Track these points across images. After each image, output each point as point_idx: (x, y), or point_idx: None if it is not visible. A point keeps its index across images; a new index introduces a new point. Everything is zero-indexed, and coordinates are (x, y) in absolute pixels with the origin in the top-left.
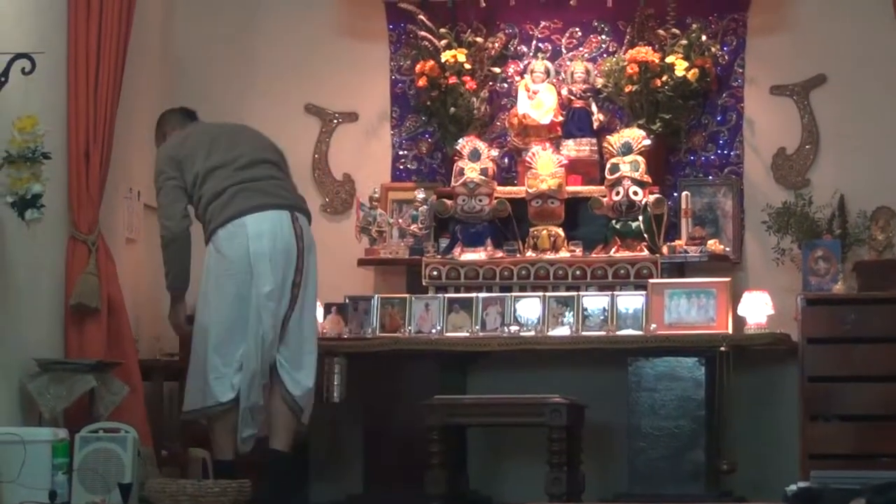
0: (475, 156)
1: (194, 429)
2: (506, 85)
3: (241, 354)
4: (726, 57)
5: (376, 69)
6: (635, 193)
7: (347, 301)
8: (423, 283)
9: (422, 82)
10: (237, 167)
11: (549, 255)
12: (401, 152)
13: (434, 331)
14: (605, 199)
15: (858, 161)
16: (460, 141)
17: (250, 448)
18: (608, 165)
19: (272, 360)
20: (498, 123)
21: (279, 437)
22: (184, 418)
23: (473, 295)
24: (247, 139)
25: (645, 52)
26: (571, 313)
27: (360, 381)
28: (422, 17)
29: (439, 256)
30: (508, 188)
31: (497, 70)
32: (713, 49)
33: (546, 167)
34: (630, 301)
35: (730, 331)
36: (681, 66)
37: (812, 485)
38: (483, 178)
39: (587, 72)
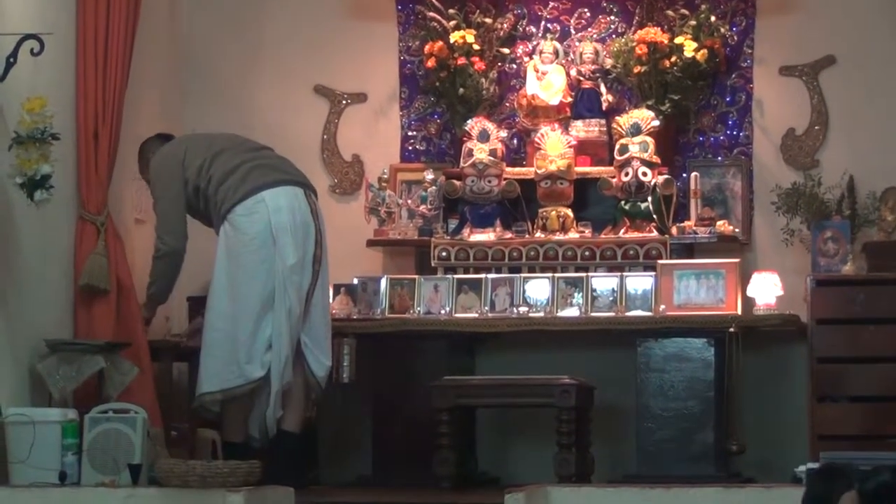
0: (484, 137)
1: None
2: (514, 66)
3: (270, 332)
4: (735, 37)
5: (385, 50)
6: (644, 174)
7: (356, 282)
8: (432, 264)
9: (430, 63)
10: (244, 149)
11: (558, 236)
12: (410, 133)
13: (443, 312)
14: (614, 180)
15: (868, 142)
16: (469, 122)
17: (275, 430)
18: (617, 146)
19: (298, 337)
20: (507, 104)
21: (290, 417)
22: (199, 401)
23: (482, 276)
24: (238, 136)
25: (654, 33)
26: (580, 294)
27: (369, 362)
28: None
29: (448, 237)
30: (517, 169)
31: (506, 51)
32: (722, 29)
33: (555, 148)
34: (639, 282)
35: (739, 312)
36: (690, 47)
37: (833, 461)
38: (492, 158)
39: (596, 52)
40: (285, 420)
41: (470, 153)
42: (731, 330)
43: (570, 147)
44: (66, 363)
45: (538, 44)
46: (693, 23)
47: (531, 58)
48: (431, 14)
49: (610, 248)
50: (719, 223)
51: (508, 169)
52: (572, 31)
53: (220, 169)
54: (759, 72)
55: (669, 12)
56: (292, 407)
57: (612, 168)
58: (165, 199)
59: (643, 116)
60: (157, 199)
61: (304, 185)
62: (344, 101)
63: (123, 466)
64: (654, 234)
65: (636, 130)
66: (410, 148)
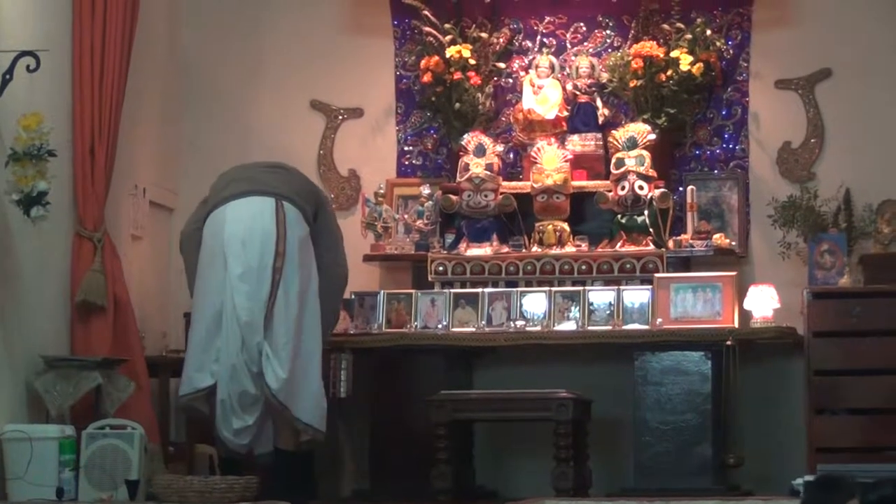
0: (480, 151)
1: (201, 425)
2: (511, 80)
3: (219, 342)
4: (731, 51)
5: (381, 65)
6: (641, 188)
7: (353, 297)
8: (429, 279)
9: (427, 78)
10: (240, 167)
11: (555, 250)
12: (406, 148)
13: (440, 326)
14: (610, 194)
15: (864, 155)
16: (465, 136)
17: (246, 442)
18: (613, 160)
19: (261, 348)
20: (503, 119)
21: (280, 435)
22: (177, 404)
23: (479, 290)
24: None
25: (649, 47)
26: (577, 308)
27: (366, 376)
28: (426, 12)
29: (445, 252)
30: (514, 183)
31: (502, 65)
32: (718, 43)
33: (551, 162)
34: (636, 295)
35: (736, 325)
36: (685, 61)
37: (829, 473)
38: (488, 173)
39: (592, 67)
40: (279, 438)
41: (466, 168)
42: (729, 343)
43: (566, 161)
44: (63, 379)
45: (534, 58)
46: (689, 36)
47: (527, 72)
48: (427, 29)
49: (607, 262)
50: (716, 236)
51: (505, 183)
52: (568, 46)
53: (214, 188)
54: (755, 85)
55: (665, 26)
56: (279, 424)
57: (608, 182)
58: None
59: (639, 130)
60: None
61: (279, 196)
62: (340, 116)
63: (121, 482)
64: (651, 247)
65: (632, 144)
66: (407, 163)
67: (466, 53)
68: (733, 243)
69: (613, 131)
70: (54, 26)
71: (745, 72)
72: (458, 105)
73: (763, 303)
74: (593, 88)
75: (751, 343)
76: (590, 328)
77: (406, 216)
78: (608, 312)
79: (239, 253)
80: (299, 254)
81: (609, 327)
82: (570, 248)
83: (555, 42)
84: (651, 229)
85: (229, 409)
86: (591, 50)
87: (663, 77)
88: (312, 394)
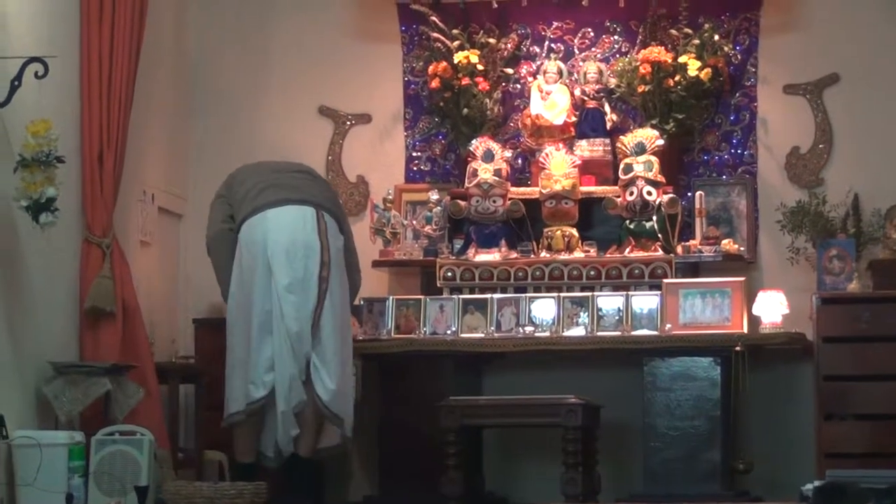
0: (489, 157)
1: (211, 431)
2: (519, 86)
3: (272, 352)
4: (739, 56)
5: (389, 71)
6: (649, 193)
7: (362, 303)
8: (438, 285)
9: (435, 83)
10: (271, 170)
11: (564, 256)
12: (414, 153)
13: (449, 332)
14: (618, 200)
15: (872, 159)
16: (474, 142)
17: (292, 449)
18: (622, 165)
19: (308, 357)
20: (511, 124)
21: (303, 441)
22: (227, 422)
23: (488, 296)
24: (289, 161)
25: (657, 52)
26: (586, 314)
27: (376, 382)
28: (434, 18)
29: (454, 258)
30: (522, 189)
31: (510, 71)
32: (726, 48)
33: (559, 168)
34: (645, 301)
35: (745, 330)
36: (693, 66)
37: (837, 480)
38: (497, 178)
39: (600, 72)
40: (299, 444)
41: (474, 173)
42: (738, 348)
43: (574, 167)
44: (72, 386)
45: (542, 63)
46: (697, 42)
47: (535, 78)
48: (435, 35)
49: (615, 268)
50: (724, 242)
51: (513, 189)
52: (576, 51)
53: (243, 187)
54: (763, 90)
55: (673, 31)
56: (304, 431)
57: (616, 187)
58: (211, 207)
59: (647, 135)
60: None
61: (317, 206)
62: (348, 122)
63: (130, 488)
64: (660, 253)
65: (641, 150)
66: (415, 168)
67: (474, 59)
68: (742, 249)
69: (622, 137)
70: (62, 33)
71: (754, 77)
72: (466, 111)
73: (772, 308)
74: (601, 94)
75: (760, 349)
76: (599, 334)
77: (415, 222)
78: (617, 318)
79: (283, 263)
80: (341, 263)
81: (618, 333)
82: (578, 254)
83: (563, 47)
84: (660, 235)
85: (289, 419)
86: (599, 55)
87: (671, 82)
88: (352, 402)
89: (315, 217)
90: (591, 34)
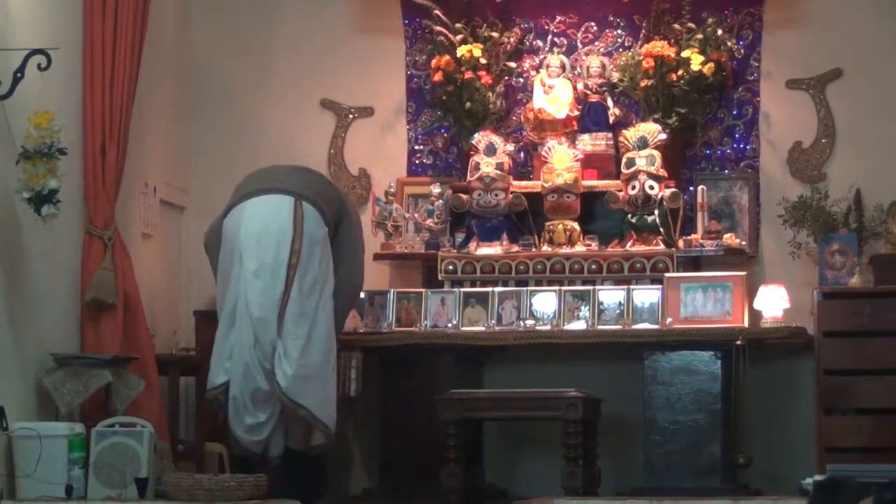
0: (491, 150)
1: (211, 423)
2: (521, 80)
3: (232, 339)
4: (742, 51)
5: (392, 64)
6: (651, 188)
7: (364, 295)
8: (439, 278)
9: (437, 77)
10: (267, 168)
11: (565, 250)
12: (416, 147)
13: (450, 325)
14: (620, 194)
15: (874, 155)
16: (476, 135)
17: (259, 439)
18: (624, 160)
19: (274, 345)
20: (514, 118)
21: (291, 434)
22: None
23: (489, 289)
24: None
25: (660, 47)
26: (587, 307)
27: (376, 375)
28: (437, 12)
29: (455, 251)
30: (524, 182)
31: (513, 65)
32: (729, 43)
33: (562, 161)
34: (646, 295)
35: (746, 324)
36: (696, 61)
37: (835, 475)
38: (499, 172)
39: (603, 66)
40: (290, 437)
41: (477, 167)
42: (738, 343)
43: (576, 160)
44: (72, 377)
45: (545, 58)
46: (700, 36)
47: (538, 72)
48: (438, 28)
49: (617, 262)
50: (726, 236)
51: (515, 182)
52: (579, 45)
53: (236, 190)
54: (766, 85)
55: (676, 26)
56: (294, 424)
57: (618, 181)
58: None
59: (650, 130)
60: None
61: (298, 196)
62: (351, 116)
63: (130, 480)
64: (661, 247)
65: (643, 144)
66: (417, 162)
67: (477, 53)
68: (743, 243)
69: (624, 131)
70: (65, 25)
71: (756, 72)
72: (468, 104)
73: (773, 303)
74: (604, 88)
75: (761, 343)
76: (600, 328)
77: (416, 215)
78: (618, 312)
79: (253, 249)
80: (316, 253)
81: (619, 327)
82: (580, 248)
83: (566, 41)
84: (661, 229)
85: (241, 406)
86: (601, 49)
87: (674, 77)
88: (324, 392)
89: (293, 205)
90: (595, 28)
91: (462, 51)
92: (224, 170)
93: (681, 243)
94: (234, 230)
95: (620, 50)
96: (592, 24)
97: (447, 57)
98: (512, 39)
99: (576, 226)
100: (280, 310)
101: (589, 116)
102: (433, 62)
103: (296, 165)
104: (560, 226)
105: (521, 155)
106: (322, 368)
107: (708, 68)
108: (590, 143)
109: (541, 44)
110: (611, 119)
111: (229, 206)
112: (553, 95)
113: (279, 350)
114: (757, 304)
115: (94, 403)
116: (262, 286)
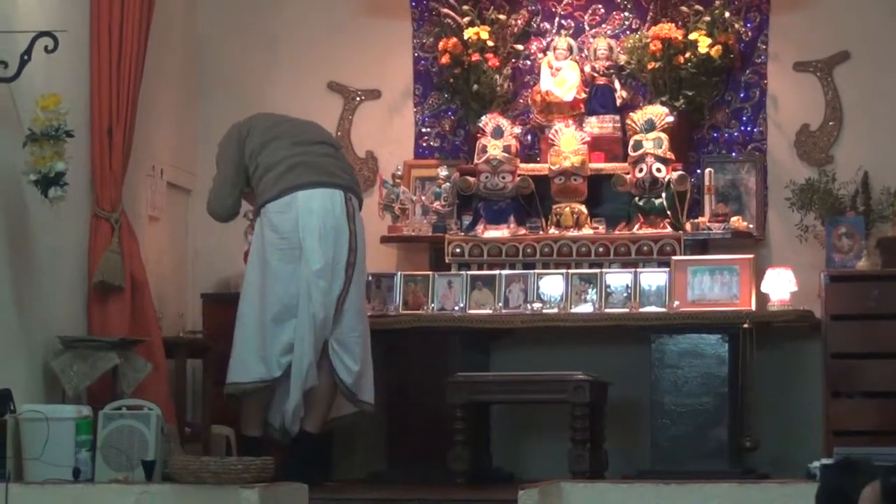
0: (498, 133)
1: (218, 406)
2: (529, 62)
3: (291, 334)
4: (749, 33)
5: (399, 46)
6: (658, 170)
7: (370, 278)
8: (446, 261)
9: (445, 59)
10: (295, 142)
11: (572, 233)
12: (423, 129)
13: (457, 308)
14: (628, 176)
15: (882, 137)
16: (483, 118)
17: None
18: (631, 142)
19: (324, 342)
20: (521, 100)
21: (311, 418)
22: (229, 391)
23: (496, 272)
24: (308, 123)
25: (668, 29)
26: (594, 290)
27: (383, 358)
28: None
29: (462, 234)
30: (531, 165)
31: (520, 47)
32: (736, 25)
33: (569, 144)
34: (653, 278)
35: (753, 308)
36: (704, 43)
37: (851, 455)
38: (506, 155)
39: (610, 48)
40: (307, 420)
41: (484, 149)
42: (746, 326)
43: (584, 143)
44: (80, 360)
45: (552, 40)
46: (707, 19)
47: (545, 54)
48: (445, 11)
49: (624, 245)
50: (733, 219)
51: (522, 165)
52: (586, 28)
53: (266, 159)
54: (774, 68)
55: (683, 8)
56: (315, 408)
57: (626, 164)
58: (217, 177)
59: (657, 113)
60: (216, 171)
61: (345, 188)
62: (358, 98)
63: (137, 463)
64: (668, 230)
65: (650, 126)
66: (424, 144)
67: (484, 35)
68: (751, 226)
69: (631, 114)
70: (72, 7)
71: (764, 54)
72: (475, 87)
73: (780, 286)
74: (611, 70)
75: (768, 326)
76: (607, 311)
77: (423, 198)
78: (625, 295)
79: (316, 248)
80: (365, 247)
81: (626, 310)
82: (587, 231)
83: (573, 24)
84: (668, 212)
85: (301, 404)
86: (609, 32)
87: (681, 59)
88: (372, 382)
89: (343, 200)
90: (602, 10)
91: (469, 33)
92: None
93: (688, 226)
94: (289, 224)
95: (628, 32)
96: (600, 6)
97: (454, 39)
98: (519, 22)
99: (583, 208)
100: (337, 307)
101: (596, 99)
102: (440, 44)
103: (322, 139)
104: (567, 209)
105: (529, 137)
106: (371, 360)
107: (715, 51)
108: (597, 125)
109: (548, 26)
110: (618, 102)
111: (275, 193)
112: (560, 78)
113: (333, 345)
114: (764, 287)
115: (101, 386)
116: (324, 286)
